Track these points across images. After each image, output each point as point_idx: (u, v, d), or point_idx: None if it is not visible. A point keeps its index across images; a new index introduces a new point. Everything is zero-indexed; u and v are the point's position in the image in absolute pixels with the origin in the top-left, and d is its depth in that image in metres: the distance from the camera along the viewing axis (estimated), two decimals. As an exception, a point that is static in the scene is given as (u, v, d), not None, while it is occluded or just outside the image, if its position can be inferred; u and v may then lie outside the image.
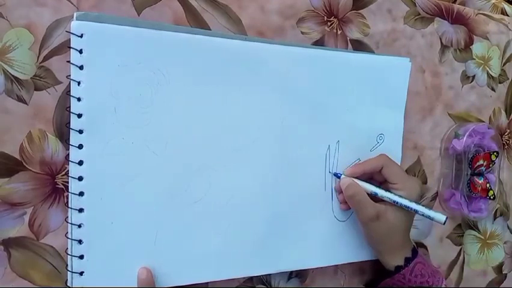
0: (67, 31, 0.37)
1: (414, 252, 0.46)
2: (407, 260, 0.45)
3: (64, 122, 0.38)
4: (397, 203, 0.44)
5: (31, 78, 0.37)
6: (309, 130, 0.46)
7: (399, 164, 0.51)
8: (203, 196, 0.41)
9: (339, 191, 0.46)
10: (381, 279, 0.47)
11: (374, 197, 0.45)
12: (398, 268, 0.45)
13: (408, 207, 0.44)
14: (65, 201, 0.38)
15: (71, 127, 0.36)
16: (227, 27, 0.44)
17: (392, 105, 0.51)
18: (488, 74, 0.60)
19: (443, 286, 0.45)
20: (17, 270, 0.37)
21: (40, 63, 0.37)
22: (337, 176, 0.46)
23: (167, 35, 0.39)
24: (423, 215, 0.43)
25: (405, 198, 0.44)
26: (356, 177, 0.45)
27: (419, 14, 0.54)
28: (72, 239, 0.37)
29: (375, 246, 0.46)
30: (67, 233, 0.37)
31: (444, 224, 0.43)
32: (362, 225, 0.45)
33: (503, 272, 0.63)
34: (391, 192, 0.44)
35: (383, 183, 0.46)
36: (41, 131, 0.37)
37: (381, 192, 0.44)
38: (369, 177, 0.47)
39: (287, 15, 0.46)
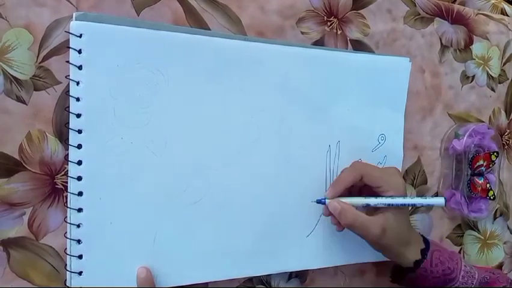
0: (66, 31, 0.37)
1: (426, 242, 0.45)
2: (423, 252, 0.44)
3: (63, 122, 0.37)
4: (392, 205, 0.42)
5: (30, 78, 0.37)
6: (309, 130, 0.46)
7: (400, 164, 0.51)
8: (202, 196, 0.41)
9: (328, 214, 0.43)
10: (405, 273, 0.46)
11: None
12: (418, 262, 0.43)
13: (405, 204, 0.42)
14: (65, 201, 0.38)
15: (70, 127, 0.36)
16: (227, 27, 0.44)
17: (392, 106, 0.51)
18: (488, 74, 0.60)
19: (463, 265, 0.44)
20: (16, 271, 0.37)
21: (39, 63, 0.37)
22: (321, 202, 0.43)
23: (166, 35, 0.39)
24: (422, 205, 0.42)
25: (398, 197, 0.42)
26: (340, 196, 0.43)
27: (419, 14, 0.54)
28: (71, 239, 0.37)
29: (389, 254, 0.45)
30: (66, 233, 0.37)
31: (445, 205, 0.41)
32: (371, 244, 0.43)
33: (503, 272, 0.63)
34: (381, 197, 0.43)
35: (365, 187, 0.44)
36: (40, 131, 0.37)
37: (372, 201, 0.42)
38: (349, 191, 0.44)
39: (287, 15, 0.46)
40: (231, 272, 0.43)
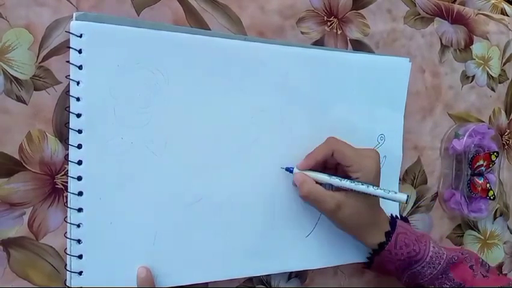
0: (66, 31, 0.37)
1: (394, 225, 0.45)
2: (388, 235, 0.44)
3: (63, 122, 0.37)
4: (353, 190, 0.42)
5: (30, 78, 0.37)
6: (308, 130, 0.46)
7: (399, 164, 0.51)
8: (202, 196, 0.41)
9: (294, 184, 0.44)
10: (373, 257, 0.46)
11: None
12: (382, 245, 0.44)
13: (366, 192, 0.41)
14: (65, 201, 0.38)
15: (70, 127, 0.36)
16: (227, 27, 0.44)
17: (392, 106, 0.51)
18: (488, 74, 0.60)
19: (431, 247, 0.44)
20: (16, 271, 0.37)
21: (39, 63, 0.37)
22: (289, 170, 0.44)
23: (166, 35, 0.39)
24: (384, 198, 0.42)
25: (362, 184, 0.41)
26: (310, 169, 0.43)
27: (419, 14, 0.54)
28: (71, 239, 0.37)
29: (350, 232, 0.45)
30: (66, 232, 0.37)
31: (406, 202, 0.41)
32: (327, 217, 0.44)
33: (503, 272, 0.63)
34: (346, 180, 0.42)
35: (339, 165, 0.44)
36: (40, 131, 0.37)
37: (336, 182, 0.42)
38: (323, 165, 0.45)
39: (287, 15, 0.46)
40: (231, 272, 0.43)
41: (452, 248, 0.47)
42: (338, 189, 0.42)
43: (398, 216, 0.49)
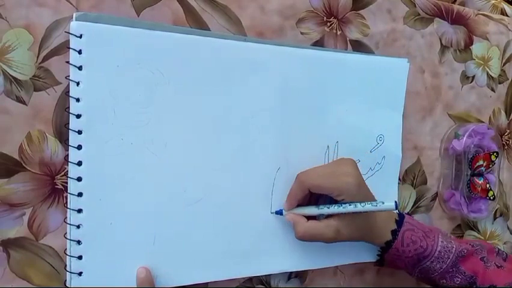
0: (66, 32, 0.37)
1: (401, 222, 0.44)
2: (394, 233, 0.44)
3: (63, 122, 0.37)
4: (343, 213, 0.41)
5: (30, 78, 0.37)
6: (308, 131, 0.46)
7: (398, 164, 0.51)
8: (202, 197, 0.41)
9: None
10: (382, 255, 0.46)
11: None
12: (389, 243, 0.44)
13: (356, 212, 0.41)
14: (65, 202, 0.38)
15: (70, 128, 0.36)
16: (227, 28, 0.44)
17: (391, 106, 0.51)
18: (488, 74, 0.60)
19: (439, 241, 0.44)
20: (16, 271, 0.37)
21: (39, 63, 0.37)
22: (279, 213, 0.44)
23: (166, 36, 0.39)
24: (374, 211, 0.41)
25: (349, 204, 0.41)
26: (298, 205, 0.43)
27: (419, 15, 0.54)
28: (71, 240, 0.37)
29: (356, 241, 0.44)
30: (66, 233, 0.37)
31: (396, 209, 0.40)
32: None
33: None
34: (334, 206, 0.41)
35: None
36: (40, 132, 0.37)
37: (325, 211, 0.42)
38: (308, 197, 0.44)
39: (287, 15, 0.46)
40: (231, 272, 0.43)
41: (463, 241, 0.47)
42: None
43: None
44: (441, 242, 0.44)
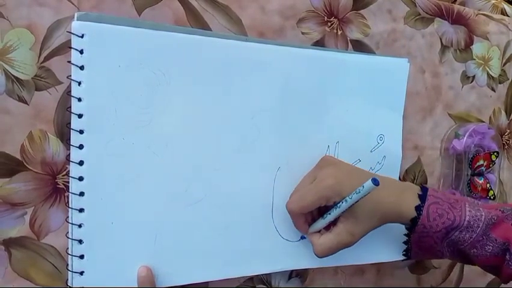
0: (67, 31, 0.37)
1: (424, 197, 0.42)
2: (418, 208, 0.42)
3: (64, 122, 0.38)
4: (343, 212, 0.41)
5: (32, 78, 0.37)
6: (308, 131, 0.46)
7: (399, 164, 0.51)
8: (203, 197, 0.41)
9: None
10: (408, 238, 0.44)
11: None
12: (414, 220, 0.42)
13: (350, 205, 0.40)
14: (66, 201, 0.38)
15: (71, 127, 0.36)
16: (227, 28, 0.44)
17: (391, 106, 0.51)
18: (488, 74, 0.60)
19: (467, 210, 0.42)
20: (17, 270, 0.37)
21: (41, 63, 0.37)
22: (303, 238, 0.45)
23: (167, 36, 0.39)
24: (361, 198, 0.39)
25: (342, 202, 0.40)
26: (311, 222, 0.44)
27: (419, 14, 0.54)
28: (72, 239, 0.37)
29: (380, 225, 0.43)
30: (68, 233, 0.37)
31: (377, 185, 0.37)
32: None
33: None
34: (332, 210, 0.41)
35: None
36: (41, 131, 0.37)
37: (329, 219, 0.42)
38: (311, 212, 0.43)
39: (287, 15, 0.46)
40: (231, 271, 0.43)
41: (492, 206, 0.44)
42: (336, 218, 0.42)
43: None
44: (469, 211, 0.42)
